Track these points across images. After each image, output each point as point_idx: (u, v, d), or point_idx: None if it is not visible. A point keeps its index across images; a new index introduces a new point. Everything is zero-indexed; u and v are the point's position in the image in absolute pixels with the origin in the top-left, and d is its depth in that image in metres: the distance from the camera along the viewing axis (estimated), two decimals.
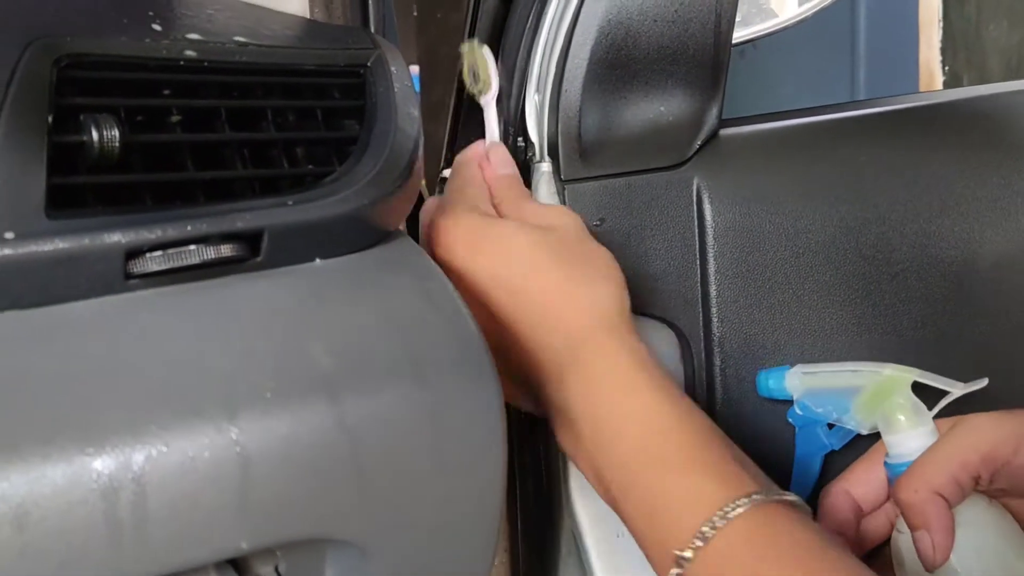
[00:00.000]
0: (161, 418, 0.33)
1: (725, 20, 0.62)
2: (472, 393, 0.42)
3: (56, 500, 0.31)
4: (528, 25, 0.61)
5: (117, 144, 0.38)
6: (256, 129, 0.45)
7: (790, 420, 0.60)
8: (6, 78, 0.36)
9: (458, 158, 0.60)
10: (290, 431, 0.35)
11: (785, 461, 0.62)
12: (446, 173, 0.66)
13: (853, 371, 0.58)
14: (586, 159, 0.61)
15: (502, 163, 0.59)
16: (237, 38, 0.45)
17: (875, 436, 0.56)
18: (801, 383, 0.59)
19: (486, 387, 0.43)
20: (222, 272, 0.39)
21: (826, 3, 0.75)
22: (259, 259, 0.40)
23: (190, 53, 0.42)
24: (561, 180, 0.60)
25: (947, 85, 2.14)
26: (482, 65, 0.60)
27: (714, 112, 0.63)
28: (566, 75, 0.59)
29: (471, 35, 0.62)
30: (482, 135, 0.63)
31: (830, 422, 0.59)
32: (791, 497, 0.45)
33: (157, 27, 0.42)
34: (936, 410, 0.55)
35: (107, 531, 0.31)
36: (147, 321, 0.36)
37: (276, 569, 0.41)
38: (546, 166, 0.62)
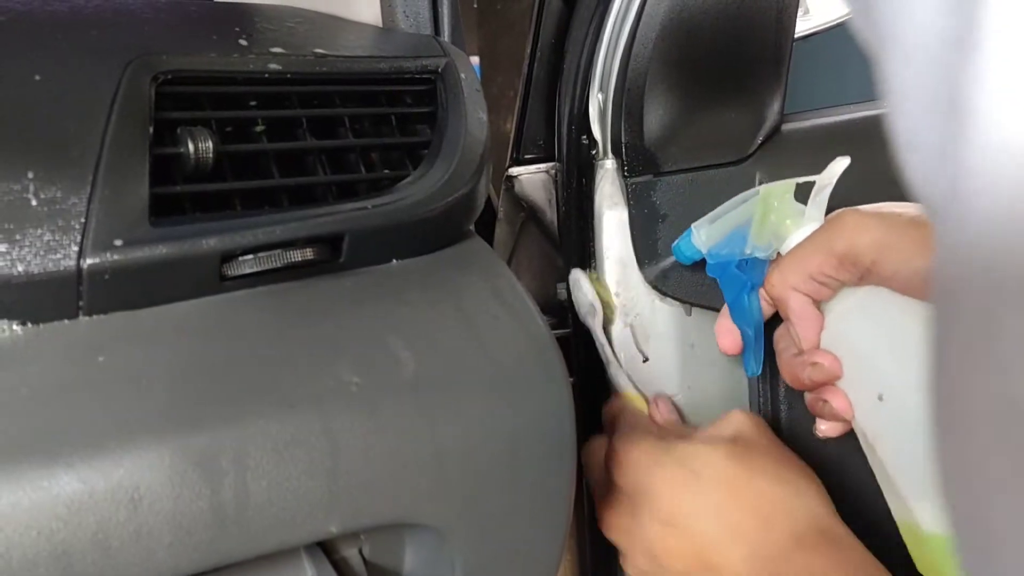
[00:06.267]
0: (259, 410, 0.36)
1: (787, 14, 0.62)
2: (542, 387, 0.44)
3: (167, 485, 0.33)
4: (591, 25, 0.63)
5: (211, 155, 0.40)
6: (335, 136, 0.47)
7: (710, 275, 0.59)
8: (111, 95, 0.39)
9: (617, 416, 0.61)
10: (375, 421, 0.38)
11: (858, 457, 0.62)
12: (513, 171, 0.67)
13: (743, 202, 0.57)
14: (649, 156, 0.62)
15: (669, 410, 0.61)
16: (316, 50, 0.47)
17: None
18: (706, 235, 0.58)
19: (556, 381, 0.45)
20: (307, 274, 0.42)
21: None
22: (340, 261, 0.43)
23: (274, 66, 0.44)
24: (625, 177, 0.62)
25: None
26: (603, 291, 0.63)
27: (776, 107, 0.64)
28: (629, 74, 0.60)
29: (535, 37, 0.64)
30: (549, 131, 0.65)
31: (741, 259, 0.58)
32: None
33: (243, 42, 0.45)
34: (813, 202, 0.54)
35: (212, 514, 0.34)
36: (242, 320, 0.39)
37: (360, 551, 0.44)
38: (610, 163, 0.63)
